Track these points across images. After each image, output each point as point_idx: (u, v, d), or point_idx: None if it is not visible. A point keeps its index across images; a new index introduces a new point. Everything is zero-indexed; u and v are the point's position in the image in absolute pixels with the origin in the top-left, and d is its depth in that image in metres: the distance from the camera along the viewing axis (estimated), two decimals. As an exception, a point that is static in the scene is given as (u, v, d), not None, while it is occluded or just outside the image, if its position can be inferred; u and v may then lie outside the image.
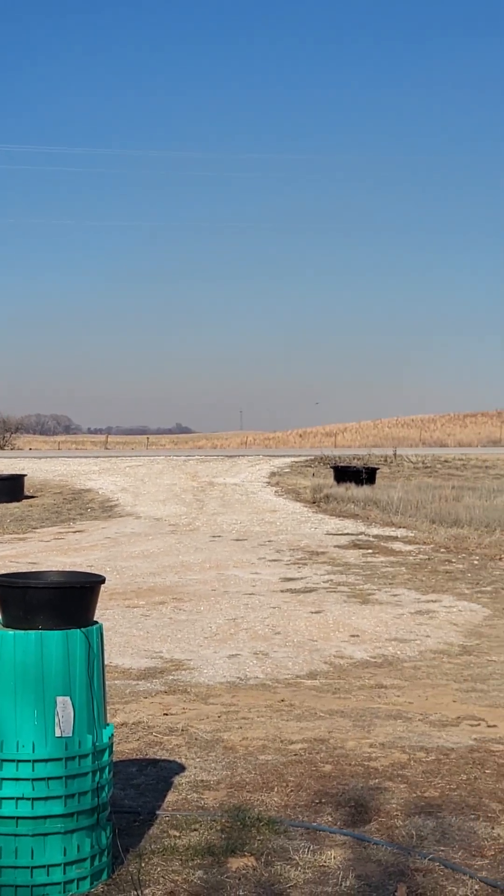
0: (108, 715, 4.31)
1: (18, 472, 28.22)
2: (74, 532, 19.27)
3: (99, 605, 4.36)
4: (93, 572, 4.87)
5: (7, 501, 24.15)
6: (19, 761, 3.90)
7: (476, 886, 4.14)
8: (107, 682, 4.51)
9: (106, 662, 4.56)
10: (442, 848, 4.53)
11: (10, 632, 3.95)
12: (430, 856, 4.41)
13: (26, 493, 25.69)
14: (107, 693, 4.44)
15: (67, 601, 4.04)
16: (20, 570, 9.83)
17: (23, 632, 3.94)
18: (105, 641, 4.31)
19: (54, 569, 11.12)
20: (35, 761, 3.91)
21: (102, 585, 4.25)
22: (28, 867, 3.94)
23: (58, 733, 3.94)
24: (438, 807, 5.07)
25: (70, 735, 3.96)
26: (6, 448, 57.99)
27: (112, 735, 4.21)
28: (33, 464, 33.98)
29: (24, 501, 24.70)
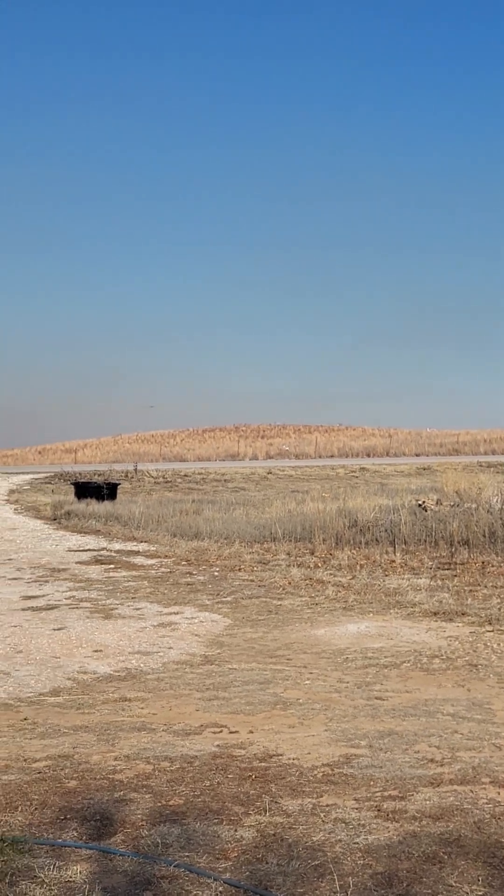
0: None
1: None
2: None
3: None
4: None
5: None
6: None
7: (220, 888, 4.24)
8: None
9: None
10: (187, 854, 4.61)
11: None
12: (175, 862, 4.48)
13: None
14: None
15: None
16: None
17: None
18: None
19: None
20: None
21: None
22: None
23: None
24: (183, 814, 5.15)
25: None
26: None
27: None
28: None
29: None
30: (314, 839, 4.76)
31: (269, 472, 44.40)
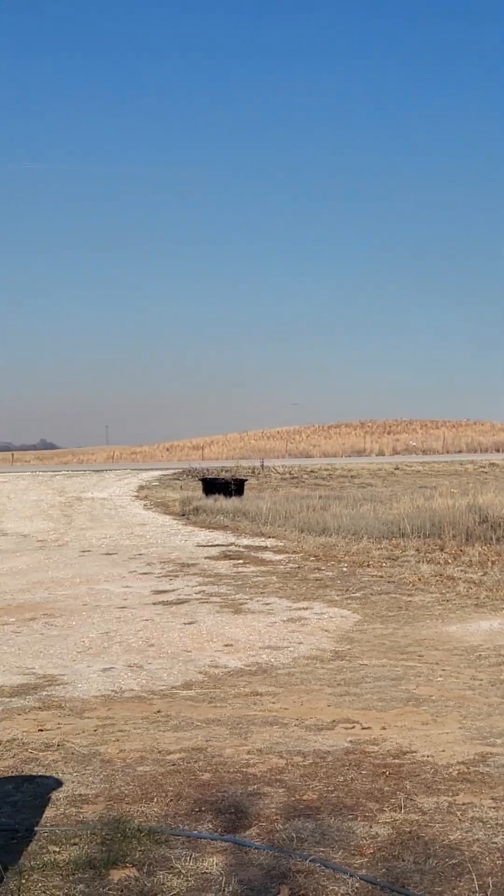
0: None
1: None
2: None
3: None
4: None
5: None
6: None
7: (356, 884, 4.20)
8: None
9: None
10: (322, 849, 4.58)
11: None
12: (311, 857, 4.46)
13: None
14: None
15: None
16: None
17: None
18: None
19: None
20: None
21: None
22: None
23: None
24: (317, 809, 5.13)
25: None
26: None
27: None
28: None
29: None
30: (451, 838, 4.68)
31: (396, 468, 44.03)
